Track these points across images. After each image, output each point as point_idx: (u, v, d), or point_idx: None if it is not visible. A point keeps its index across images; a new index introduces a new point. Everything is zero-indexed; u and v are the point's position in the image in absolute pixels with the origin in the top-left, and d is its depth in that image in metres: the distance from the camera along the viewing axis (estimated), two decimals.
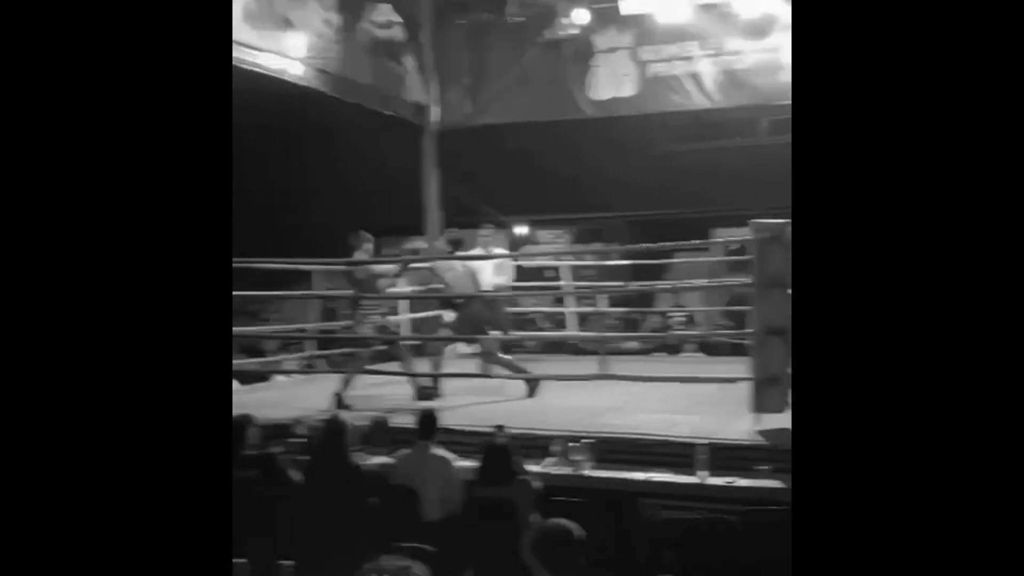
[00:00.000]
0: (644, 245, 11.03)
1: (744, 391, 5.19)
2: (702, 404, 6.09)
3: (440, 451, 4.96)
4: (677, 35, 9.75)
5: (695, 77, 9.82)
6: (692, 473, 4.77)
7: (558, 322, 11.18)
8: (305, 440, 5.70)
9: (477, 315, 7.25)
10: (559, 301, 10.95)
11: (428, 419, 5.05)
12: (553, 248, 14.51)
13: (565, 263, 10.21)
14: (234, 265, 8.07)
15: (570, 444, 5.17)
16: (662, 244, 8.14)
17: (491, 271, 7.48)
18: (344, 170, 12.83)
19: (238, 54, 8.00)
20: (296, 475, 5.07)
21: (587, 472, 5.06)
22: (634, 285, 10.22)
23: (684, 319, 11.37)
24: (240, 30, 7.98)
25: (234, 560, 3.29)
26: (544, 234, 14.91)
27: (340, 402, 6.84)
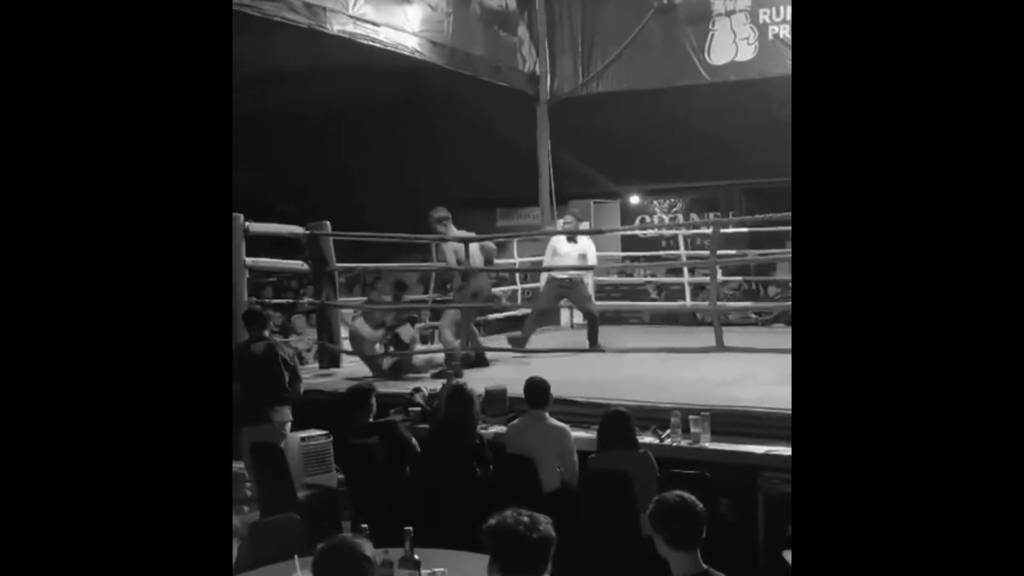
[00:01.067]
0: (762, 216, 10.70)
1: None
2: None
3: (554, 421, 4.96)
4: None
5: None
6: None
7: (674, 293, 11.02)
8: (424, 409, 5.81)
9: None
10: (675, 271, 10.79)
11: (540, 388, 5.03)
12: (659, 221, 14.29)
13: (681, 232, 10.04)
14: (354, 238, 8.22)
15: (690, 416, 5.10)
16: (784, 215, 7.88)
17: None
18: (459, 141, 12.91)
19: (356, 29, 8.14)
20: (416, 443, 5.18)
21: (706, 445, 4.99)
22: (752, 254, 9.99)
23: None
24: (358, 6, 8.11)
25: (360, 524, 3.39)
26: (658, 203, 14.71)
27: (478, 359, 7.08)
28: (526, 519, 2.48)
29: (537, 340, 8.36)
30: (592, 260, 8.15)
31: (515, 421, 5.13)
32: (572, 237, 8.00)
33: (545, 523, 2.50)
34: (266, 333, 5.91)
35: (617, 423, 4.68)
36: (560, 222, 7.95)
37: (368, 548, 2.57)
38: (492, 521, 2.51)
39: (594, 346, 7.83)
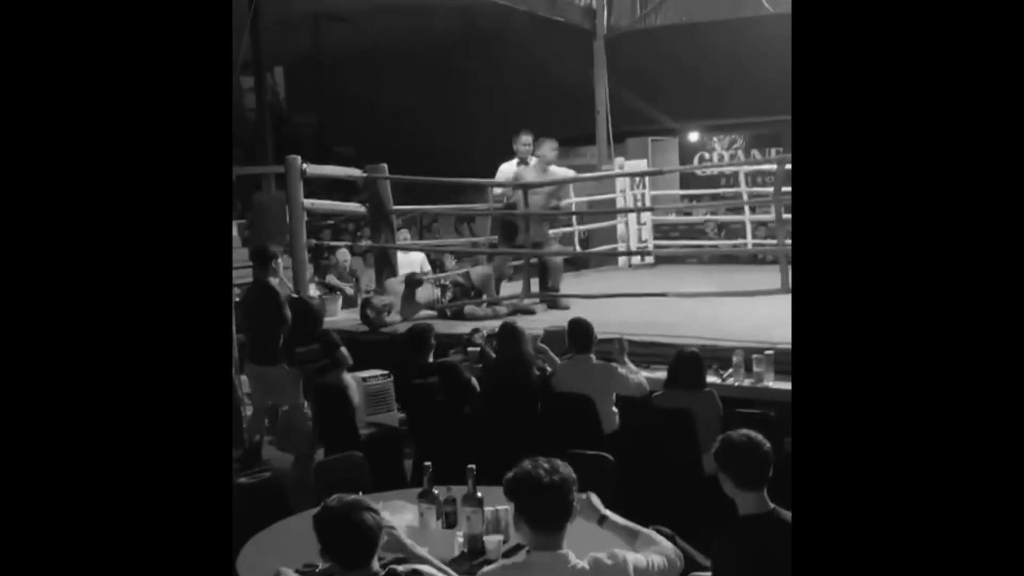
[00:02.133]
0: None
1: None
2: None
3: (601, 361, 4.93)
4: None
5: None
6: None
7: (734, 232, 10.81)
8: (483, 350, 5.81)
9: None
10: (735, 209, 10.57)
11: (584, 331, 4.97)
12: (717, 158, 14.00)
13: (743, 168, 9.82)
14: (414, 179, 8.13)
15: (753, 356, 5.03)
16: None
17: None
18: (514, 80, 12.74)
19: None
20: (475, 382, 5.19)
21: (769, 384, 4.92)
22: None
23: None
24: None
25: (424, 463, 3.40)
26: (718, 140, 14.38)
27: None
28: (545, 465, 2.48)
29: (588, 282, 8.28)
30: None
31: (562, 363, 5.10)
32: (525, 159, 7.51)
33: (564, 467, 2.49)
34: (273, 280, 5.78)
35: (686, 363, 4.64)
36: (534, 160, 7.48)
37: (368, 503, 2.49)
38: (510, 473, 2.50)
39: (545, 290, 7.51)
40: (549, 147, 7.35)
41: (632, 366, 5.05)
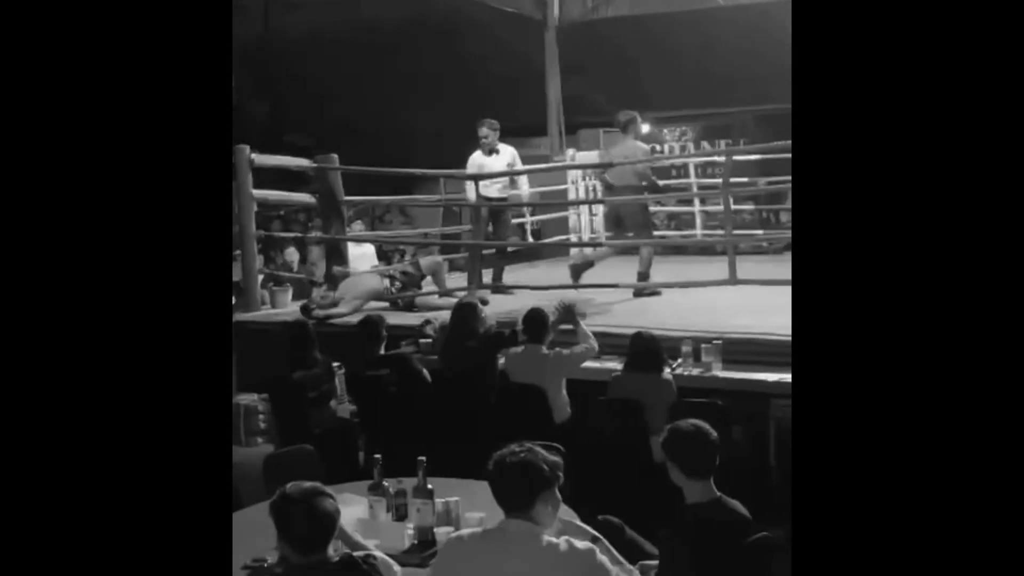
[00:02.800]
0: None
1: None
2: None
3: (550, 350, 4.96)
4: None
5: None
6: None
7: (684, 222, 10.92)
8: (434, 340, 5.80)
9: None
10: (685, 200, 10.67)
11: (538, 321, 5.00)
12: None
13: (692, 159, 9.91)
14: (364, 170, 8.00)
15: (702, 345, 5.10)
16: None
17: None
18: (468, 68, 12.71)
19: None
20: (427, 374, 5.20)
21: (718, 373, 4.99)
22: (762, 182, 9.87)
23: None
24: None
25: (374, 455, 3.40)
26: (668, 132, 14.50)
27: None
28: (514, 447, 2.54)
29: (541, 273, 8.32)
30: (522, 180, 7.89)
31: (513, 353, 5.12)
32: (493, 149, 7.61)
33: (527, 450, 2.53)
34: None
35: (644, 346, 4.72)
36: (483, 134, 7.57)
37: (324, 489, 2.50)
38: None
39: (498, 283, 7.60)
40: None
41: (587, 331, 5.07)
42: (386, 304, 6.95)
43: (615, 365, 4.98)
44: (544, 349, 4.96)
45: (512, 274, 8.27)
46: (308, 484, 2.49)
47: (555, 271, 8.85)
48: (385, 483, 3.32)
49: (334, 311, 6.71)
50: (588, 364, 5.02)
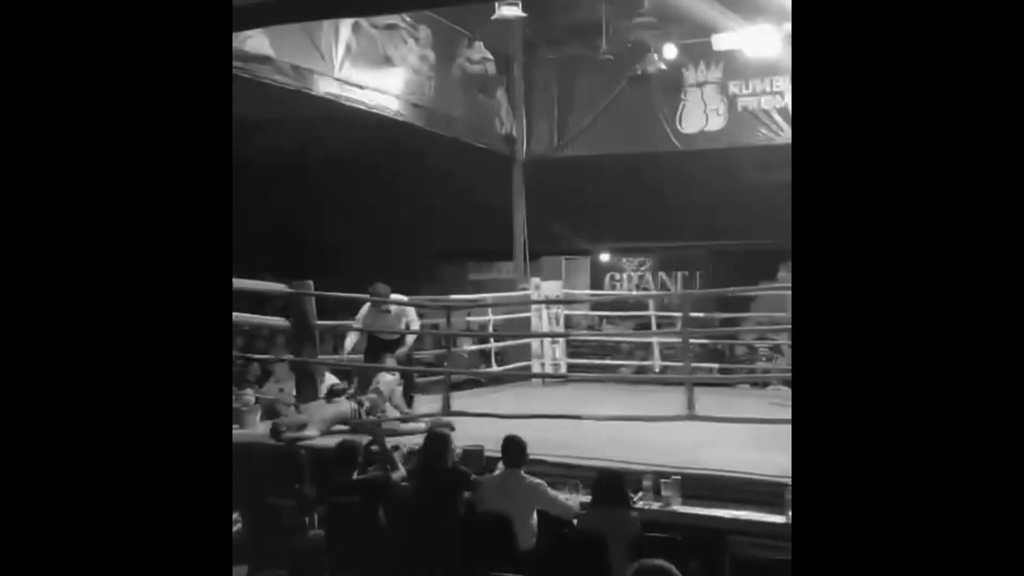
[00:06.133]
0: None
1: None
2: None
3: (531, 478, 5.13)
4: (767, 70, 9.86)
5: (784, 111, 9.90)
6: (782, 513, 4.86)
7: (644, 349, 11.25)
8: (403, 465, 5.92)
9: None
10: (644, 325, 11.00)
11: (517, 446, 5.19)
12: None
13: (651, 293, 10.31)
14: (329, 295, 8.02)
15: (661, 480, 5.29)
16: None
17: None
18: (439, 200, 13.16)
19: (341, 91, 8.43)
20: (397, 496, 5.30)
21: (677, 508, 5.18)
22: (719, 317, 10.28)
23: (770, 350, 11.33)
24: (344, 68, 8.40)
25: None
26: (627, 262, 15.01)
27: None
28: None
29: (502, 399, 8.51)
30: (414, 323, 7.93)
31: (488, 477, 5.29)
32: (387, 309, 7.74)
33: None
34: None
35: (607, 482, 4.89)
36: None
37: None
38: None
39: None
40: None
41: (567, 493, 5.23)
42: (348, 427, 7.05)
43: (584, 498, 5.14)
44: (522, 473, 5.12)
45: (476, 399, 8.47)
46: None
47: (517, 397, 9.06)
48: None
49: (302, 434, 6.82)
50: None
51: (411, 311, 7.91)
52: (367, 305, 7.70)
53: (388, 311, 7.74)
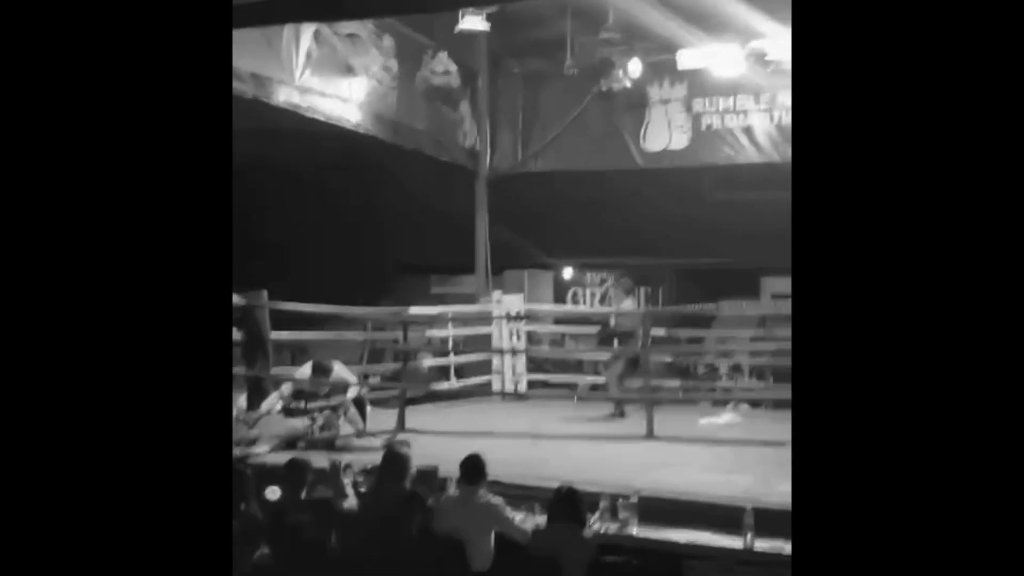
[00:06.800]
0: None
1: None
2: (752, 463, 6.08)
3: (488, 497, 5.03)
4: (731, 88, 9.86)
5: (748, 131, 9.91)
6: (740, 535, 4.79)
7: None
8: (355, 483, 5.78)
9: None
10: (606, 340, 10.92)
11: (475, 466, 5.08)
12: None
13: (611, 310, 10.26)
14: (291, 308, 7.87)
15: (618, 501, 5.20)
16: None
17: None
18: (400, 212, 13.04)
19: (301, 101, 8.28)
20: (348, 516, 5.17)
21: (633, 531, 5.09)
22: (684, 337, 10.24)
23: (730, 369, 11.31)
24: (304, 77, 8.25)
25: None
26: (590, 277, 14.99)
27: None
28: None
29: (461, 415, 8.39)
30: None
31: (447, 497, 5.17)
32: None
33: None
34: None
35: (564, 500, 4.82)
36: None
37: None
38: None
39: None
40: None
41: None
42: (303, 444, 6.90)
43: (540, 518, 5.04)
44: (480, 491, 5.01)
45: (433, 415, 8.35)
46: None
47: (475, 412, 8.95)
48: None
49: (251, 450, 6.64)
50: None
51: (351, 378, 7.64)
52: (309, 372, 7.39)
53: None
